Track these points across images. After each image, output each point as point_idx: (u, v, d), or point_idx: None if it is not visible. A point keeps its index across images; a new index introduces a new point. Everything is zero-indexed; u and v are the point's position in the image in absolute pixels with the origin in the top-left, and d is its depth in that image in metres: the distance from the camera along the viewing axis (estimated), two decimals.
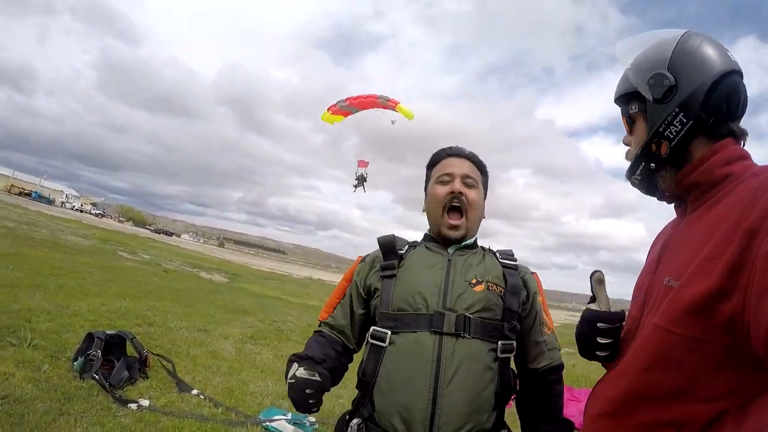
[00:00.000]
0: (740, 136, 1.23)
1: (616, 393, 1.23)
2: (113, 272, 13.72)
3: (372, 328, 1.69)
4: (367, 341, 1.71)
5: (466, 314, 1.60)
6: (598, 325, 1.32)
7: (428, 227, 1.91)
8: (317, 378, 1.58)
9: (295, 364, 1.62)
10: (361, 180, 17.00)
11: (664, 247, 1.33)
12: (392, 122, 13.04)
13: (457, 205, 1.77)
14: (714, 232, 1.09)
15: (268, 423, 4.42)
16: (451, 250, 1.80)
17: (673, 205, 1.39)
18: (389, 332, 1.63)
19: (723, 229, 1.06)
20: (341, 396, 5.19)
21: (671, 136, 1.22)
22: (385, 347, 1.62)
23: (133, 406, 4.19)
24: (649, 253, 1.47)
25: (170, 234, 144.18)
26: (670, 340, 1.10)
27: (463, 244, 1.81)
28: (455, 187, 1.77)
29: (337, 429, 1.75)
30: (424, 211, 1.92)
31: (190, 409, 4.47)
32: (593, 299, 1.44)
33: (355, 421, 1.65)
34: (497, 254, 1.86)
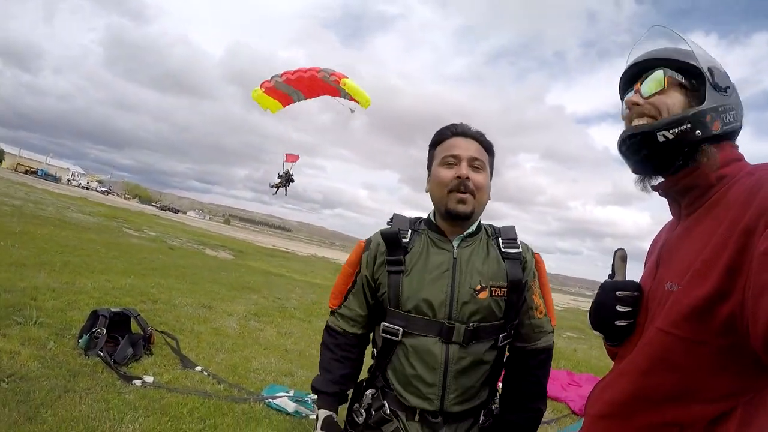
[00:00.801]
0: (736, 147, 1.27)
1: (617, 395, 1.25)
2: (119, 249, 13.80)
3: (383, 323, 1.74)
4: (378, 332, 1.80)
5: (473, 326, 1.67)
6: (618, 293, 1.32)
7: (432, 209, 1.87)
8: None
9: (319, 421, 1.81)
10: (286, 179, 14.68)
11: (662, 252, 1.33)
12: (351, 111, 10.34)
13: (464, 189, 1.71)
14: (711, 234, 1.10)
15: (270, 400, 4.47)
16: (455, 242, 1.78)
17: (668, 205, 1.38)
18: (401, 329, 1.70)
19: (720, 231, 1.08)
20: None
21: (726, 121, 1.21)
22: (398, 341, 1.71)
23: (138, 382, 4.24)
24: (647, 257, 1.47)
25: (176, 211, 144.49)
26: (669, 342, 1.12)
27: (466, 233, 1.78)
28: (462, 171, 1.70)
29: (352, 397, 1.89)
30: (427, 191, 1.85)
31: (194, 386, 4.53)
32: (612, 275, 1.45)
33: (370, 391, 1.79)
34: (500, 240, 1.83)
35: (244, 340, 6.60)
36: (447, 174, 1.73)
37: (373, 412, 1.74)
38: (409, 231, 1.81)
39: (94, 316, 4.86)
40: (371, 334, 1.92)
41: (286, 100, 10.28)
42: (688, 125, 1.20)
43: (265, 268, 19.77)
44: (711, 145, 1.20)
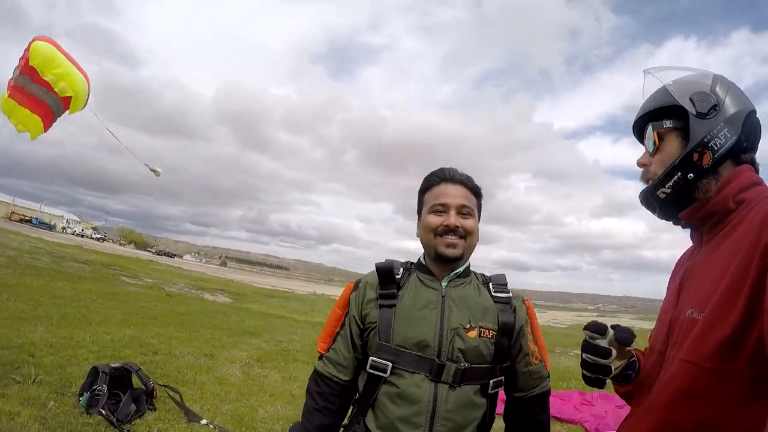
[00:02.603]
0: (757, 167, 1.31)
1: (645, 430, 1.24)
2: (116, 299, 13.65)
3: (371, 358, 1.70)
4: (365, 368, 1.73)
5: (464, 366, 1.64)
6: (597, 343, 1.33)
7: (422, 253, 1.88)
8: None
9: None
10: None
11: (684, 278, 1.34)
12: (156, 173, 6.61)
13: (453, 236, 1.74)
14: (732, 260, 1.11)
15: None
16: (444, 282, 1.78)
17: (689, 232, 1.41)
18: (390, 365, 1.66)
19: (740, 257, 1.09)
20: None
21: (716, 148, 1.25)
22: (385, 378, 1.66)
23: None
24: (669, 283, 1.48)
25: (172, 255, 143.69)
26: (696, 374, 1.12)
27: (454, 273, 1.78)
28: (450, 221, 1.74)
29: None
30: (418, 236, 1.88)
31: None
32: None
33: None
34: (490, 285, 1.84)
35: (249, 388, 6.44)
36: (436, 221, 1.77)
37: None
38: (401, 269, 1.83)
39: (95, 372, 4.73)
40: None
41: (46, 116, 5.42)
42: (679, 174, 1.29)
43: (264, 311, 19.56)
44: (711, 177, 1.27)
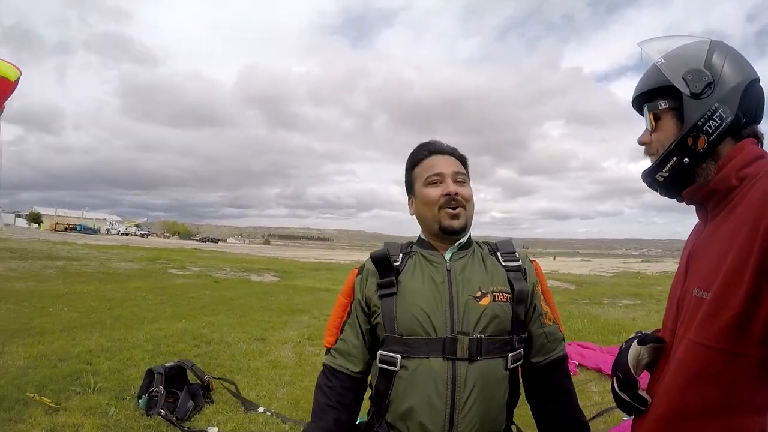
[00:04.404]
0: (761, 138, 1.28)
1: (660, 412, 1.23)
2: (165, 293, 13.96)
3: (379, 352, 1.64)
4: (375, 364, 1.68)
5: (478, 336, 1.55)
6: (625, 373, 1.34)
7: (420, 231, 1.82)
8: None
9: None
10: None
11: (689, 256, 1.35)
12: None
13: (455, 205, 1.68)
14: (735, 238, 1.10)
15: None
16: (447, 255, 1.72)
17: (695, 208, 1.39)
18: (399, 356, 1.59)
19: (743, 234, 1.08)
20: None
21: (710, 131, 1.22)
22: (396, 371, 1.59)
23: None
24: (680, 260, 1.44)
25: (216, 241, 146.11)
26: (707, 355, 1.11)
27: (457, 244, 1.72)
28: (450, 188, 1.68)
29: None
30: (412, 214, 1.83)
31: (258, 429, 4.46)
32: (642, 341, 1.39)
33: None
34: (498, 254, 1.77)
35: (302, 369, 6.51)
36: (434, 192, 1.70)
37: None
38: (400, 255, 1.75)
39: (150, 374, 4.83)
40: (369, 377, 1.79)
41: None
42: (675, 159, 1.27)
43: (311, 285, 19.79)
44: (709, 160, 1.24)
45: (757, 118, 1.26)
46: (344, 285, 1.82)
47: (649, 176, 1.36)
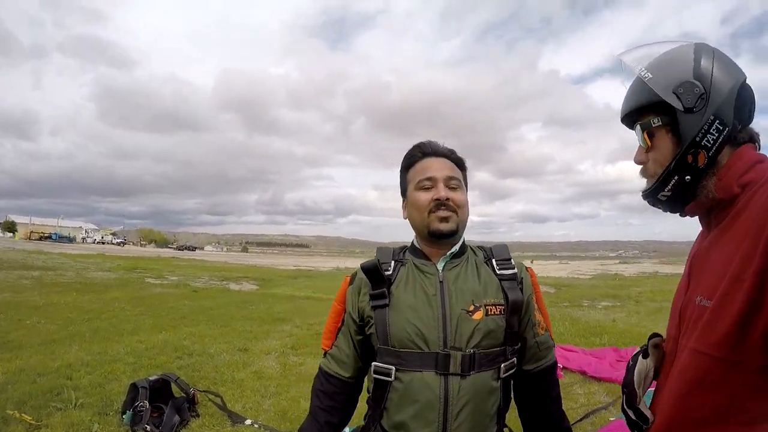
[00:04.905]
0: (757, 139, 1.25)
1: (661, 421, 1.24)
2: (144, 303, 13.74)
3: (374, 363, 1.64)
4: (370, 373, 1.67)
5: (471, 352, 1.55)
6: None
7: (414, 236, 1.80)
8: None
9: None
10: None
11: (692, 263, 1.33)
12: None
13: (445, 210, 1.65)
14: (738, 246, 1.09)
15: None
16: (440, 264, 1.69)
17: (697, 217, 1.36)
18: (393, 368, 1.58)
19: (746, 243, 1.06)
20: None
21: (709, 145, 1.19)
22: (391, 382, 1.59)
23: None
24: (685, 267, 1.44)
25: (193, 249, 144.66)
26: (707, 363, 1.11)
27: (450, 253, 1.70)
28: (440, 194, 1.65)
29: None
30: (405, 218, 1.80)
31: None
32: (644, 355, 1.42)
33: None
34: (494, 261, 1.75)
35: (288, 379, 6.45)
36: (425, 197, 1.68)
37: None
38: (392, 263, 1.73)
39: (134, 389, 4.74)
40: (365, 379, 1.80)
41: None
42: (676, 177, 1.24)
43: (291, 293, 19.66)
44: (710, 174, 1.21)
45: (750, 119, 1.24)
46: (338, 292, 1.82)
47: (651, 196, 1.33)
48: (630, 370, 1.41)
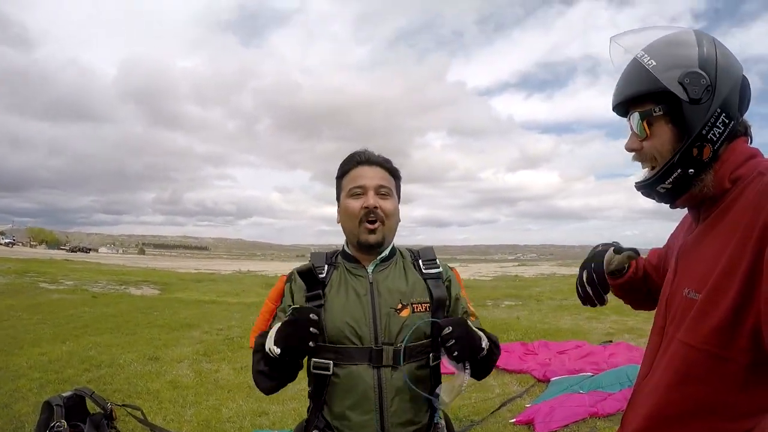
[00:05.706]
0: (749, 132, 1.25)
1: (647, 411, 1.25)
2: (41, 311, 12.98)
3: (313, 360, 1.71)
4: (309, 369, 1.75)
5: (400, 346, 1.67)
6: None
7: (345, 240, 1.90)
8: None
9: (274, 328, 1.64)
10: None
11: (678, 256, 1.34)
12: None
13: (373, 218, 1.75)
14: (728, 241, 1.10)
15: None
16: (370, 267, 1.81)
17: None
18: (331, 363, 1.68)
19: (736, 238, 1.08)
20: None
21: (715, 138, 1.18)
22: (330, 376, 1.69)
23: None
24: (667, 251, 1.55)
25: (87, 250, 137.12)
26: (694, 356, 1.13)
27: (379, 258, 1.83)
28: (369, 202, 1.75)
29: None
30: (338, 222, 1.89)
31: None
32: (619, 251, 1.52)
33: None
34: (420, 262, 1.88)
35: (205, 387, 6.38)
36: (355, 205, 1.77)
37: None
38: (326, 266, 1.84)
39: (48, 407, 4.52)
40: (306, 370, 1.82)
41: None
42: (679, 170, 1.21)
43: (195, 298, 19.18)
44: (710, 170, 1.20)
45: (744, 112, 1.22)
46: (271, 291, 1.87)
47: (649, 188, 1.30)
48: (599, 254, 1.53)
